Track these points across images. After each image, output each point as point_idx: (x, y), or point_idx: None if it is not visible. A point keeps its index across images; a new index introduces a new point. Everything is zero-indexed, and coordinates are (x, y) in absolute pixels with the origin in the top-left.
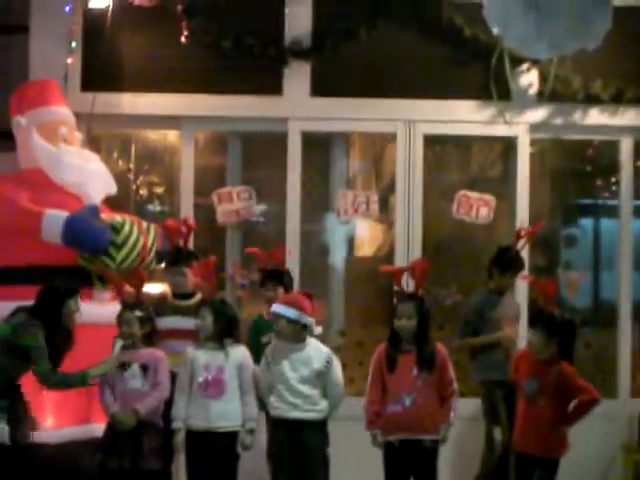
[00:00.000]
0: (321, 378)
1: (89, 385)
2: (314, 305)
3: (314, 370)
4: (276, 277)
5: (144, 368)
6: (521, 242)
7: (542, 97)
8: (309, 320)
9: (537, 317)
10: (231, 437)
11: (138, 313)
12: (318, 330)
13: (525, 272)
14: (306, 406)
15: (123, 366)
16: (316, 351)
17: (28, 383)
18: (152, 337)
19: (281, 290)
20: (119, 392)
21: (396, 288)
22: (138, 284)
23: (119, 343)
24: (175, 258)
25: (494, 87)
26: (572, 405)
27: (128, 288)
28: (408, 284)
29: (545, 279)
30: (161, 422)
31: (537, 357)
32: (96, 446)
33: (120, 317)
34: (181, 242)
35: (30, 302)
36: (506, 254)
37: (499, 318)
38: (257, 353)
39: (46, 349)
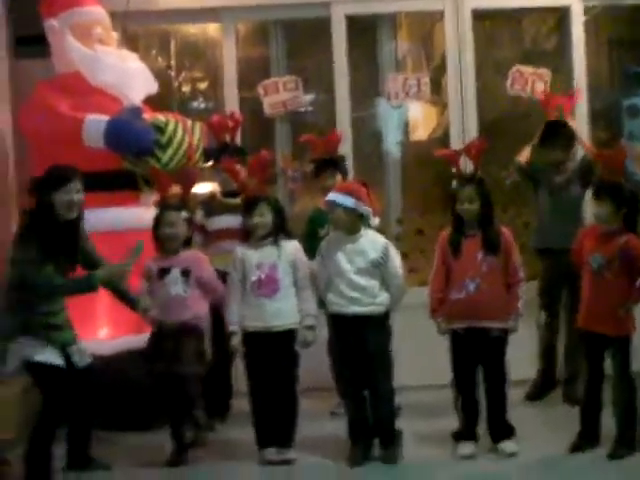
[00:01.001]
0: (379, 269)
1: (96, 289)
2: (371, 194)
3: (370, 260)
4: (333, 164)
5: (185, 273)
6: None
7: None
8: (366, 209)
9: (602, 188)
10: (288, 336)
11: (184, 214)
12: (375, 221)
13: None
14: (366, 299)
15: (163, 272)
16: (372, 241)
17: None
18: (191, 241)
19: (339, 178)
20: (160, 300)
21: (454, 171)
22: (189, 184)
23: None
24: (224, 154)
25: None
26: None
27: (175, 188)
28: (467, 167)
29: (610, 150)
30: (203, 327)
31: (603, 230)
32: (144, 355)
33: (162, 218)
34: (228, 138)
35: None
36: (550, 126)
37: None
38: (315, 247)
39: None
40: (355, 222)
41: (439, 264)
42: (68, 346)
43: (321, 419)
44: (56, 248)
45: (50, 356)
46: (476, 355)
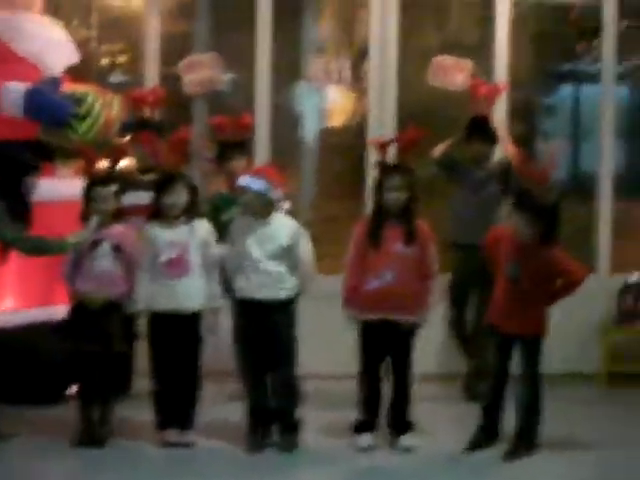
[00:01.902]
0: (289, 254)
1: (65, 253)
2: (283, 178)
3: (281, 245)
4: (239, 147)
5: (116, 248)
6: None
7: None
8: (278, 194)
9: (522, 199)
10: (196, 318)
11: (113, 188)
12: (286, 205)
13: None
14: (274, 284)
15: (93, 245)
16: (283, 225)
17: None
18: (120, 214)
19: (243, 162)
20: (86, 272)
21: (379, 159)
22: (117, 157)
23: (96, 218)
24: (142, 129)
25: None
26: (558, 285)
27: (102, 162)
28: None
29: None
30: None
31: (521, 240)
32: (60, 329)
33: (92, 192)
34: (148, 113)
35: None
36: (475, 121)
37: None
38: (217, 233)
39: (7, 219)
40: (266, 206)
41: (356, 253)
42: None
43: (221, 403)
44: None
45: None
46: (385, 347)
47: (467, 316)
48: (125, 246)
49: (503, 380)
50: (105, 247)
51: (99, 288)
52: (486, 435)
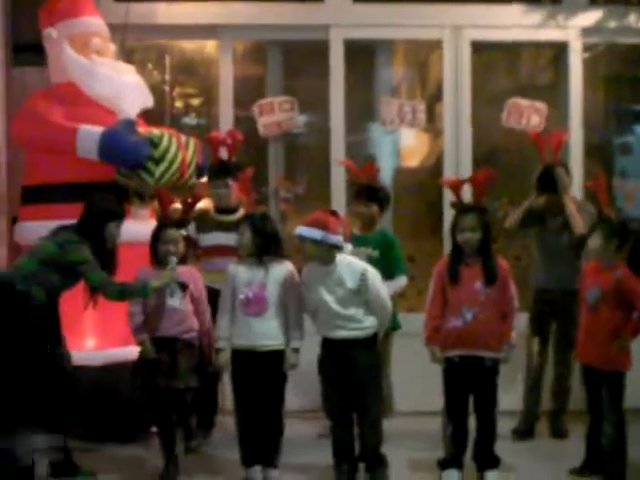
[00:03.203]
0: (360, 295)
1: (148, 297)
2: (341, 221)
3: (349, 289)
4: (370, 193)
5: (182, 287)
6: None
7: None
8: (335, 239)
9: (601, 221)
10: (275, 356)
11: (184, 232)
12: (348, 248)
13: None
14: (351, 325)
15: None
16: (348, 269)
17: (68, 305)
18: (186, 257)
19: (375, 207)
20: (154, 309)
21: (454, 200)
22: (193, 201)
23: (174, 259)
24: (219, 170)
25: None
26: (635, 315)
27: (176, 205)
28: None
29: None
30: (197, 341)
31: (600, 264)
32: (138, 368)
33: (164, 235)
34: (226, 156)
35: (67, 221)
36: (546, 171)
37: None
38: None
39: (96, 262)
40: (327, 253)
41: (436, 291)
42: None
43: (309, 441)
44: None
45: None
46: (469, 384)
47: (549, 352)
48: (191, 285)
49: (598, 414)
50: (173, 286)
51: (167, 326)
52: (590, 467)
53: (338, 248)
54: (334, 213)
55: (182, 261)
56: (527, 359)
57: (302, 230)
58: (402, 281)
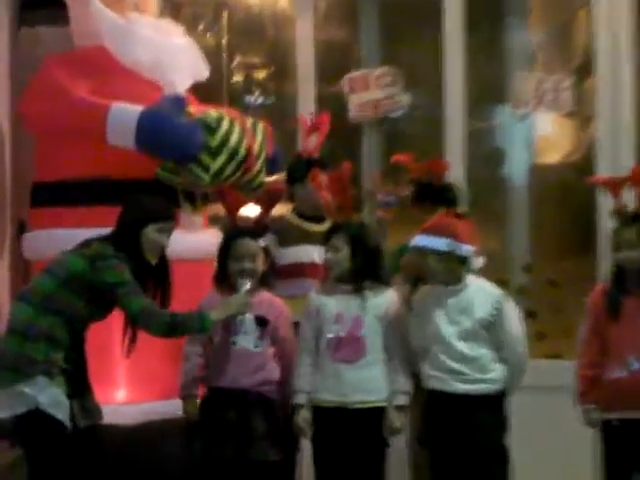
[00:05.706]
0: (491, 331)
1: (207, 333)
2: (471, 228)
3: (479, 320)
4: (436, 194)
5: (260, 322)
6: None
7: None
8: (467, 249)
9: None
10: (374, 416)
11: (262, 243)
12: (479, 263)
13: None
14: (473, 374)
15: (231, 317)
16: (480, 293)
17: (94, 343)
18: (269, 277)
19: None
20: (219, 351)
21: (615, 207)
22: (270, 202)
23: (247, 281)
24: (303, 166)
25: None
26: None
27: (245, 209)
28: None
29: None
30: (277, 394)
31: None
32: (187, 428)
33: (238, 248)
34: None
35: (96, 230)
36: None
37: None
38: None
39: (137, 285)
40: (455, 269)
41: (592, 330)
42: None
43: None
44: None
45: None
46: (636, 456)
47: None
48: (273, 322)
49: None
50: (247, 320)
51: (235, 374)
52: None
53: (468, 263)
54: (460, 216)
55: (262, 283)
56: None
57: (421, 240)
58: None
